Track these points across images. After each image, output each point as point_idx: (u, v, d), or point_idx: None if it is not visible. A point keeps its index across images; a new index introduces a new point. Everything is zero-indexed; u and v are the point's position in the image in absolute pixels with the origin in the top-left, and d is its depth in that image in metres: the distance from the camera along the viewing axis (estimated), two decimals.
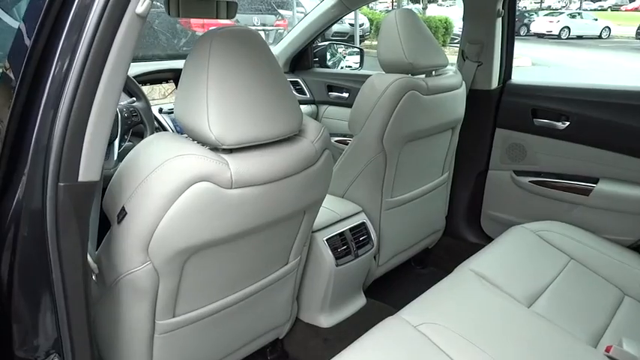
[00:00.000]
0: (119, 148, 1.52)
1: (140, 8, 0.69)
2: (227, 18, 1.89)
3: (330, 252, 1.48)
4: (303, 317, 1.55)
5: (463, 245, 2.03)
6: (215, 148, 0.88)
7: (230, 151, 0.89)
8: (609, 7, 23.26)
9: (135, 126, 1.53)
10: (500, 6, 1.74)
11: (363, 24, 11.90)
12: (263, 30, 7.33)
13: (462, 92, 1.67)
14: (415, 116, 1.50)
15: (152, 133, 1.56)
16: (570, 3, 23.94)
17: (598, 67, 10.32)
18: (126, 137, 1.53)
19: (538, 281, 1.32)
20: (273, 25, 7.49)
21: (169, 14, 1.75)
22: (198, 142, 0.90)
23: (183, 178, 0.82)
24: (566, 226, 1.66)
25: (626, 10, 22.69)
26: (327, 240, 1.49)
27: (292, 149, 0.97)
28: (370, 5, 16.30)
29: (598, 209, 1.67)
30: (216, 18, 1.95)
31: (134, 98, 1.56)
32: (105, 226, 0.98)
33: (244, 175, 0.88)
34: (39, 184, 0.71)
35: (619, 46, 14.46)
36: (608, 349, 1.10)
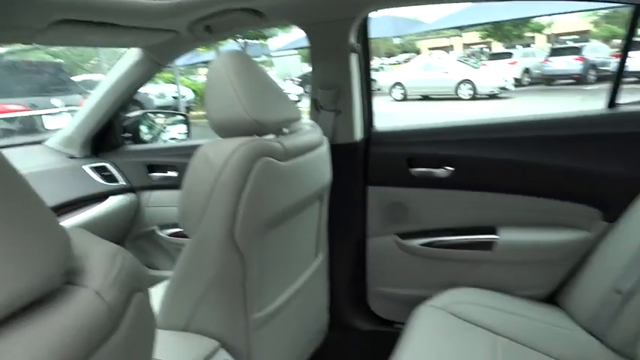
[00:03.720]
0: None
1: None
2: None
3: None
4: None
5: (353, 336, 1.61)
6: None
7: None
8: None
9: None
10: (353, 39, 1.43)
11: (185, 96, 11.42)
12: (69, 112, 6.32)
13: (325, 150, 1.29)
14: (274, 191, 1.05)
15: None
16: None
17: None
18: None
19: None
20: (79, 105, 6.53)
21: None
22: None
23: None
24: (475, 293, 1.37)
25: None
26: None
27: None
28: (192, 77, 15.99)
29: (504, 264, 1.41)
30: None
31: None
32: None
33: None
34: None
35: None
36: None
